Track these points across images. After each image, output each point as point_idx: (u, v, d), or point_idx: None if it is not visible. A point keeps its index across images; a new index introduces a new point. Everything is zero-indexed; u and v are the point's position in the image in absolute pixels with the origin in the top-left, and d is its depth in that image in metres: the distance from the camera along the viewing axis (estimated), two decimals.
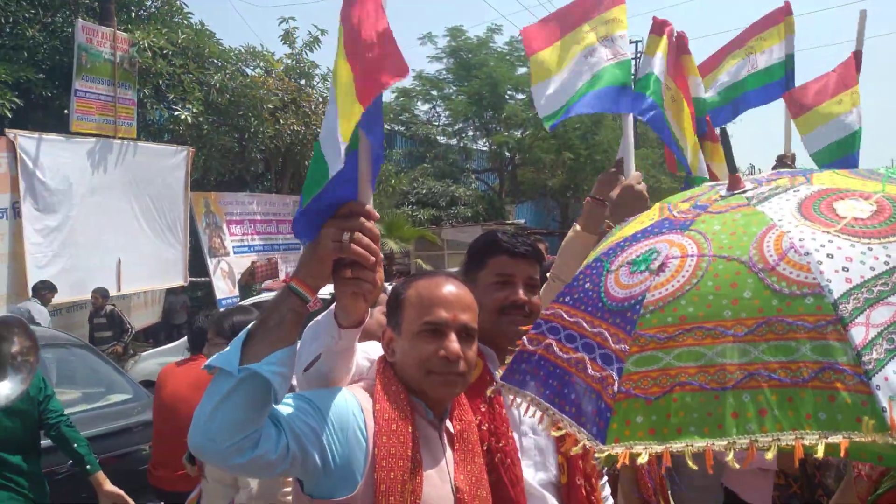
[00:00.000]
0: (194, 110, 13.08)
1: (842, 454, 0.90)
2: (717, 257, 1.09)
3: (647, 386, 1.04)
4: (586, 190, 25.64)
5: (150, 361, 9.09)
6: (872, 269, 1.00)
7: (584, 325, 1.18)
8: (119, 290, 10.73)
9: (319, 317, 1.56)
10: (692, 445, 0.96)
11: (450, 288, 1.63)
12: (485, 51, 23.88)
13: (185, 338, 4.42)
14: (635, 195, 2.30)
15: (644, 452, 0.99)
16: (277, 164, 16.20)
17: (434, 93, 24.80)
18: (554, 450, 1.89)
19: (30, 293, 9.17)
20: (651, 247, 1.20)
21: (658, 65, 2.90)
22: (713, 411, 0.97)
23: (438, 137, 24.78)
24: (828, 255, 1.02)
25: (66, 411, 3.78)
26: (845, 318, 0.96)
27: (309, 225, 1.47)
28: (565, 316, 1.24)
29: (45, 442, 3.49)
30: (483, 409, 1.82)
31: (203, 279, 13.30)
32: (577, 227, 2.54)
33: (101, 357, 5.69)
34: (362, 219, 1.44)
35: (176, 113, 13.04)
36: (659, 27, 3.03)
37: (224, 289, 13.03)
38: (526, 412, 1.34)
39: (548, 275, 2.60)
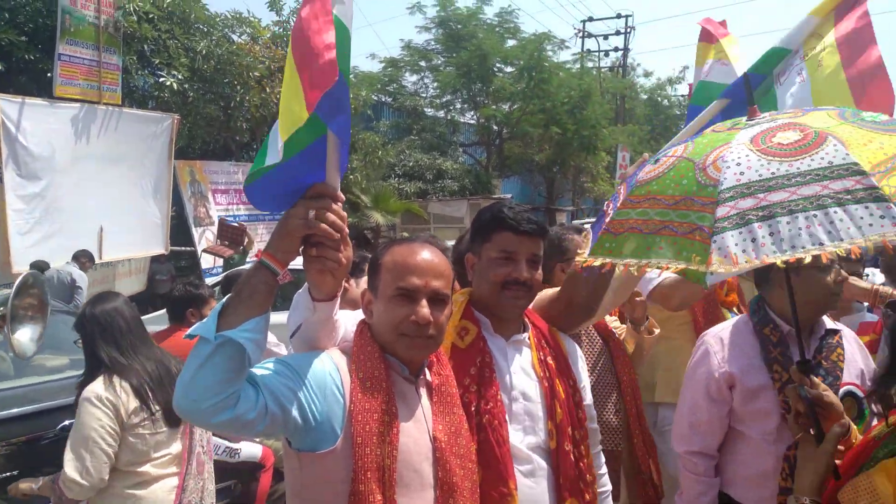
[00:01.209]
0: (180, 77, 12.90)
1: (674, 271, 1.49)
2: (684, 158, 1.65)
3: (615, 227, 1.67)
4: (573, 165, 25.71)
5: None
6: (760, 175, 1.46)
7: (619, 193, 1.80)
8: (101, 257, 10.66)
9: (300, 290, 1.66)
10: (628, 262, 1.58)
11: (424, 255, 1.71)
12: (474, 22, 23.64)
13: None
14: None
15: (599, 261, 1.66)
16: (263, 133, 16.03)
17: (422, 63, 24.59)
18: (545, 416, 1.96)
19: (13, 260, 9.12)
20: (668, 149, 1.81)
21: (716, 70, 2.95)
22: (640, 245, 1.58)
23: (426, 109, 24.62)
24: (736, 164, 1.50)
25: (55, 377, 3.81)
26: (720, 201, 1.46)
27: (270, 199, 1.63)
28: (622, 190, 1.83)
29: (31, 407, 3.52)
30: (473, 373, 1.90)
31: (188, 248, 13.25)
32: None
33: None
34: (328, 200, 1.56)
35: (161, 79, 12.86)
36: (707, 35, 3.02)
37: (209, 258, 13.00)
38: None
39: None
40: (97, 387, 2.86)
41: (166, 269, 12.90)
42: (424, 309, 1.65)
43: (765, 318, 2.39)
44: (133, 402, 2.87)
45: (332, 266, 1.56)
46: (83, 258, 9.56)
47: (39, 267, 8.48)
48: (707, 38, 3.01)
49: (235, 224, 12.28)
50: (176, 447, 3.02)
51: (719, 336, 2.47)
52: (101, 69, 11.05)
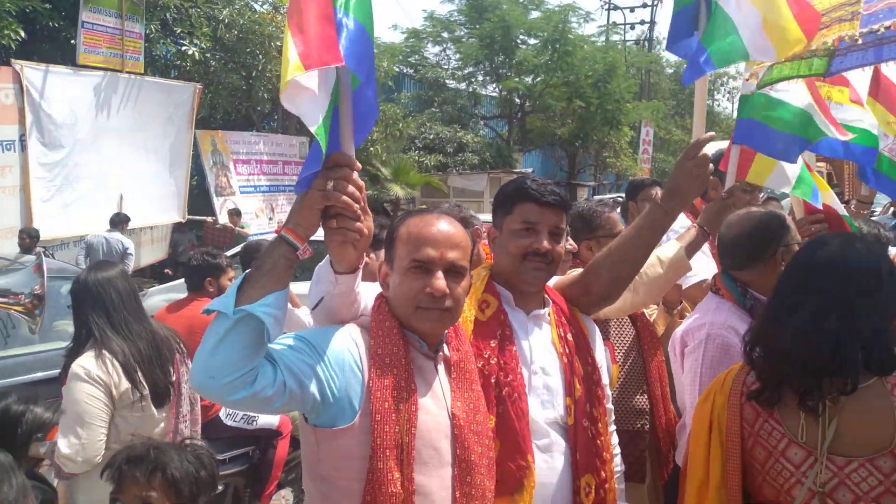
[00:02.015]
0: (202, 46, 12.88)
1: None
2: None
3: None
4: (595, 140, 25.42)
5: (157, 297, 9.19)
6: None
7: None
8: None
9: (321, 263, 1.64)
10: None
11: (440, 226, 1.68)
12: None
13: None
14: (687, 176, 2.03)
15: None
16: None
17: (445, 35, 24.33)
18: (563, 391, 1.95)
19: (37, 227, 9.22)
20: None
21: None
22: None
23: (448, 81, 24.41)
24: None
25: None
26: None
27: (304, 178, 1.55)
28: None
29: (54, 371, 3.56)
30: (493, 345, 1.89)
31: (210, 218, 13.35)
32: (679, 245, 2.47)
33: None
34: (346, 169, 1.51)
35: (183, 48, 12.85)
36: None
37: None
38: None
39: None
40: (88, 362, 2.76)
41: (188, 238, 13.01)
42: (440, 280, 1.62)
43: (754, 299, 2.30)
44: (124, 384, 2.78)
45: (353, 237, 1.53)
46: (123, 223, 9.71)
47: (30, 234, 8.61)
48: None
49: (220, 227, 12.26)
50: (160, 428, 2.94)
51: (726, 325, 2.27)
52: (124, 37, 11.06)
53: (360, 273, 1.64)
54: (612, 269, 2.08)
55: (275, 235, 1.55)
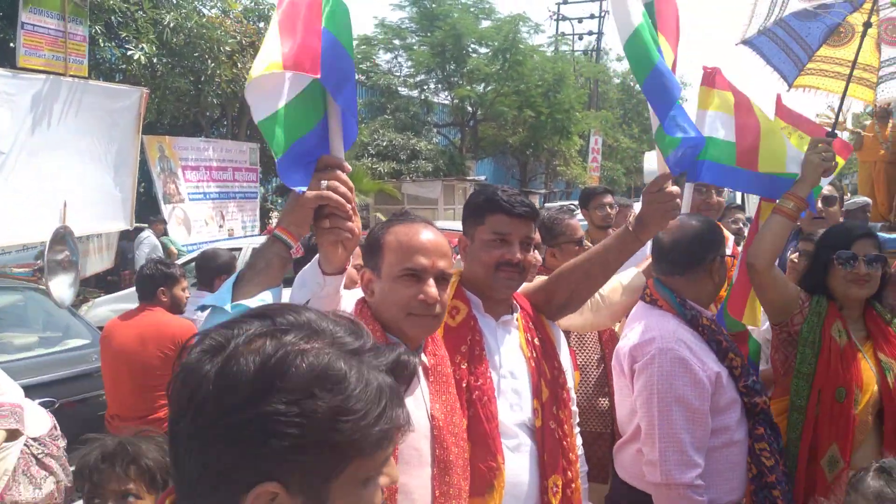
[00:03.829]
0: (148, 50, 12.58)
1: None
2: None
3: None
4: (546, 149, 25.76)
5: (104, 308, 8.95)
6: None
7: None
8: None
9: (307, 266, 1.66)
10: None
11: (428, 235, 1.74)
12: (448, 1, 23.44)
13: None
14: (662, 209, 2.02)
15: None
16: (234, 109, 15.78)
17: (396, 42, 24.33)
18: (530, 394, 2.00)
19: None
20: None
21: (710, 125, 2.83)
22: None
23: (400, 89, 24.40)
24: None
25: (23, 356, 3.73)
26: None
27: (294, 172, 1.59)
28: None
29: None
30: (464, 350, 1.93)
31: (144, 224, 13.01)
32: (638, 271, 2.62)
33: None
34: (337, 170, 1.58)
35: (129, 52, 12.52)
36: (709, 78, 2.89)
37: (179, 235, 12.79)
38: None
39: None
40: None
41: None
42: (433, 288, 1.68)
43: (694, 309, 2.31)
44: None
45: (345, 237, 1.58)
46: (159, 223, 10.43)
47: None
48: (709, 82, 2.90)
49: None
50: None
51: (675, 337, 2.24)
52: (67, 40, 10.71)
53: (345, 274, 1.67)
54: (575, 283, 2.15)
55: (267, 235, 1.61)
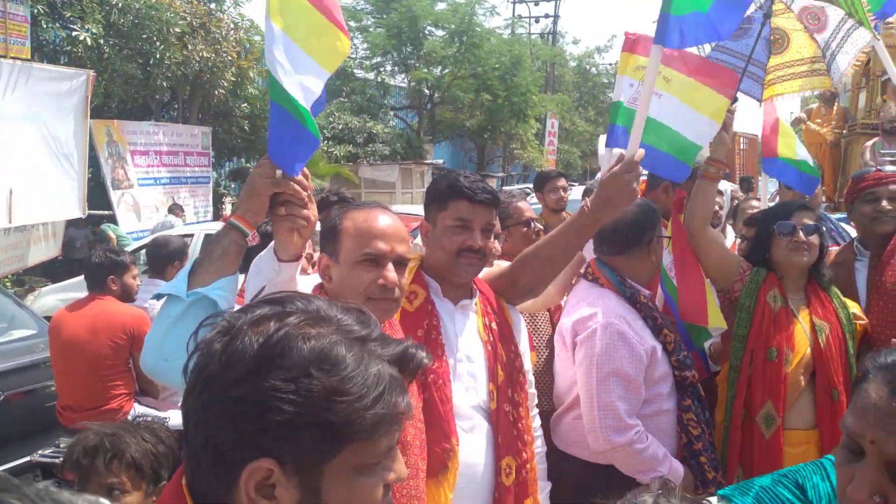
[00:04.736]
0: (94, 31, 12.18)
1: None
2: None
3: None
4: (503, 132, 25.84)
5: (50, 297, 8.70)
6: None
7: None
8: (10, 221, 10.07)
9: (262, 253, 1.67)
10: None
11: (386, 220, 1.75)
12: None
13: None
14: (622, 187, 2.05)
15: None
16: (185, 92, 15.42)
17: (352, 24, 24.01)
18: (486, 377, 2.03)
19: None
20: None
21: (625, 90, 2.98)
22: None
23: (355, 71, 24.14)
24: None
25: None
26: None
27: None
28: None
29: None
30: (420, 334, 1.96)
31: (106, 212, 12.68)
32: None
33: (1, 292, 5.41)
34: None
35: (74, 33, 12.11)
36: (630, 44, 3.00)
37: (129, 222, 12.49)
38: None
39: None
40: None
41: (84, 235, 12.32)
42: (392, 273, 1.69)
43: (633, 288, 2.44)
44: None
45: (301, 224, 1.58)
46: (178, 210, 10.91)
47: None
48: (630, 48, 3.01)
49: None
50: None
51: (615, 314, 2.36)
52: (7, 20, 10.31)
53: (301, 261, 1.69)
54: (538, 267, 2.19)
55: (223, 223, 1.62)
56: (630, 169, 2.03)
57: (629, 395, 2.30)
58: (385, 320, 1.78)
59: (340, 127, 20.89)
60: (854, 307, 2.61)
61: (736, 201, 4.81)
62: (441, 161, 23.28)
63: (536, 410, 2.35)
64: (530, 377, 2.27)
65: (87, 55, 12.29)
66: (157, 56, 13.33)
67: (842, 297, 2.59)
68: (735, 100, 2.86)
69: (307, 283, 1.83)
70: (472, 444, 1.97)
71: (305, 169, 1.61)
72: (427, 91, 24.53)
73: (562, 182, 5.11)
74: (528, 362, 2.26)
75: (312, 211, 1.62)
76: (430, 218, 2.13)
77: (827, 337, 2.46)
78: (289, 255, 1.64)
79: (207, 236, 1.76)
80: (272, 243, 1.65)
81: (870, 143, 9.70)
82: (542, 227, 3.22)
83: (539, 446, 2.30)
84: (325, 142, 20.14)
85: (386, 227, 1.73)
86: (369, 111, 22.92)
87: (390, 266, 1.70)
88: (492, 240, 2.15)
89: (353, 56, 24.33)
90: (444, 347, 1.99)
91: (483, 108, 24.11)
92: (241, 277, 1.86)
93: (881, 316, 2.59)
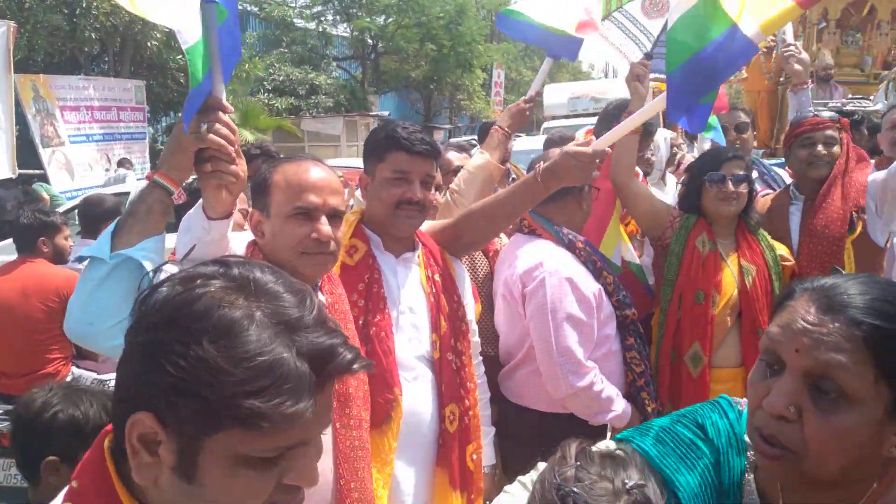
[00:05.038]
0: None
1: None
2: None
3: None
4: (449, 83, 25.57)
5: None
6: None
7: None
8: None
9: (191, 211, 1.61)
10: None
11: (318, 173, 1.72)
12: None
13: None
14: (578, 170, 2.03)
15: None
16: (115, 44, 14.73)
17: None
18: (430, 329, 2.05)
19: None
20: None
21: None
22: None
23: (296, 21, 23.41)
24: None
25: None
26: None
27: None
28: None
29: None
30: (361, 288, 1.96)
31: (37, 171, 12.14)
32: (486, 156, 2.72)
33: None
34: (217, 111, 1.51)
35: None
36: None
37: (61, 181, 12.00)
38: None
39: (450, 187, 2.75)
40: None
41: (14, 195, 11.78)
42: (325, 226, 1.66)
43: (569, 234, 2.49)
44: None
45: (229, 180, 1.53)
46: (127, 164, 11.00)
47: None
48: None
49: None
50: None
51: (558, 261, 2.39)
52: None
53: (232, 219, 1.64)
54: (483, 224, 2.21)
55: (146, 181, 1.55)
56: (596, 157, 2.03)
57: (583, 339, 2.35)
58: (322, 274, 1.77)
59: (281, 79, 20.36)
60: (782, 249, 2.69)
61: (675, 149, 4.84)
62: (387, 113, 22.95)
63: (480, 359, 2.38)
64: (473, 326, 2.30)
65: (6, 5, 11.59)
66: (84, 6, 12.65)
67: (769, 239, 2.68)
68: (649, 56, 2.95)
69: (240, 239, 1.78)
70: (416, 394, 1.99)
71: (231, 123, 1.54)
72: (370, 41, 24.03)
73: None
74: (471, 312, 2.28)
75: (241, 166, 1.56)
76: (369, 170, 2.11)
77: (754, 279, 2.55)
78: (218, 213, 1.57)
79: (133, 197, 1.69)
80: (200, 201, 1.59)
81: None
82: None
83: (482, 393, 2.34)
84: (266, 94, 19.61)
85: (317, 180, 1.70)
86: (311, 62, 22.36)
87: (323, 219, 1.67)
88: (432, 192, 2.12)
89: (293, 5, 23.58)
90: (387, 300, 1.99)
91: (428, 58, 23.77)
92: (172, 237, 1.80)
93: (810, 258, 2.69)
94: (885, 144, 3.65)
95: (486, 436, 2.33)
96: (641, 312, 2.69)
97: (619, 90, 11.83)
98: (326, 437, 1.70)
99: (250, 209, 1.82)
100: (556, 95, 14.03)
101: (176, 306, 0.79)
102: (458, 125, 29.80)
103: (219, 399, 0.76)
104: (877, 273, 2.77)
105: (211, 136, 1.48)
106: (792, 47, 3.10)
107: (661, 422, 1.15)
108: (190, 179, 1.65)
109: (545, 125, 12.47)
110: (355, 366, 0.82)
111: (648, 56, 2.95)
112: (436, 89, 26.58)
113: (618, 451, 1.07)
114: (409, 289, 2.06)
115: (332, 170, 1.79)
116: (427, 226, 2.23)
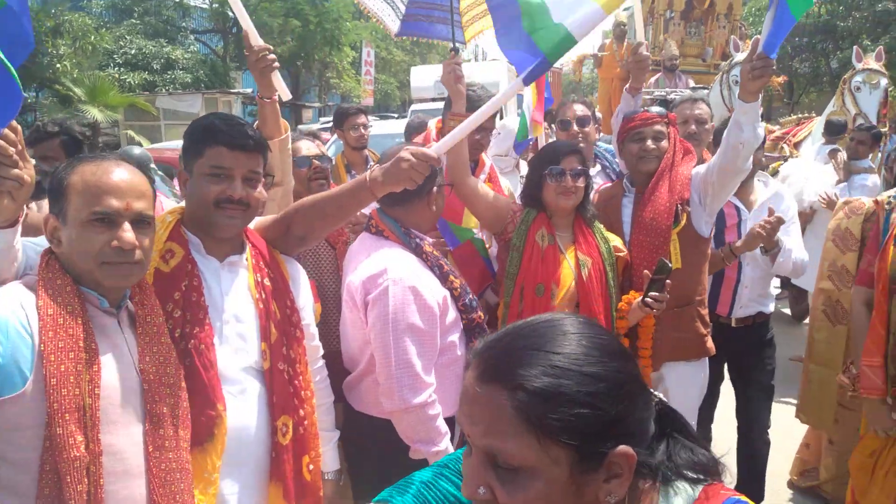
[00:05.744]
0: None
1: None
2: None
3: None
4: (318, 60, 24.93)
5: None
6: None
7: None
8: None
9: None
10: None
11: (121, 174, 1.59)
12: None
13: None
14: (406, 176, 2.02)
15: None
16: None
17: None
18: (258, 337, 1.94)
19: None
20: None
21: None
22: None
23: None
24: None
25: None
26: None
27: None
28: None
29: None
30: (177, 297, 1.82)
31: None
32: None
33: None
34: None
35: None
36: None
37: None
38: None
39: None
40: None
41: None
42: (128, 233, 1.55)
43: (417, 237, 2.41)
44: None
45: (12, 186, 1.42)
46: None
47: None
48: None
49: None
50: None
51: (403, 269, 2.30)
52: None
53: (19, 227, 1.52)
54: (312, 218, 2.10)
55: None
56: (429, 162, 2.02)
57: (425, 351, 2.26)
58: (126, 286, 1.64)
59: (133, 52, 19.04)
60: (616, 240, 2.80)
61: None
62: (250, 90, 22.06)
63: (322, 362, 2.30)
64: (312, 330, 2.20)
65: None
66: None
67: (604, 231, 2.78)
68: (455, 50, 2.97)
69: (34, 246, 1.64)
70: (243, 408, 1.88)
71: (14, 123, 1.40)
72: (232, 13, 22.92)
73: (362, 119, 5.00)
74: (309, 315, 2.18)
75: (27, 170, 1.43)
76: (187, 166, 1.94)
77: (589, 270, 2.64)
78: (2, 221, 1.46)
79: None
80: None
81: (653, 78, 10.53)
82: (325, 165, 3.08)
83: (324, 398, 2.26)
84: (116, 69, 18.27)
85: (120, 182, 1.56)
86: (166, 35, 21.05)
87: (126, 225, 1.55)
88: (258, 189, 1.98)
89: None
90: (208, 309, 1.86)
91: (294, 33, 23.05)
92: None
93: (640, 248, 2.83)
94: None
95: (329, 441, 2.26)
96: (481, 285, 2.72)
97: (485, 73, 12.06)
98: (139, 461, 1.59)
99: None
100: (423, 78, 13.99)
101: None
102: (328, 103, 29.20)
103: None
104: (701, 264, 2.96)
105: None
106: (643, 49, 3.19)
107: (422, 475, 1.09)
108: None
109: (412, 107, 12.46)
110: None
111: (455, 51, 2.96)
112: (304, 66, 25.88)
113: None
114: (234, 295, 1.93)
115: (137, 171, 1.64)
116: (254, 223, 2.11)
